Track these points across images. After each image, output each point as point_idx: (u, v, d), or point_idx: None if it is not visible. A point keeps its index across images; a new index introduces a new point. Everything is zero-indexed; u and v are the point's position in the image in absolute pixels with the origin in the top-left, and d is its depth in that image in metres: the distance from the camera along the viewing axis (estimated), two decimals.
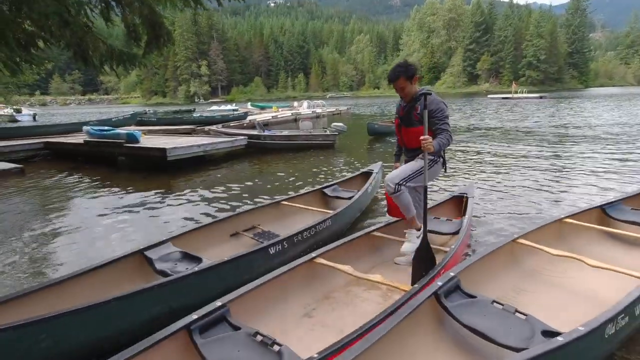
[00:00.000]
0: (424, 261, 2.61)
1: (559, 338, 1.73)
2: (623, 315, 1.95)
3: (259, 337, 1.89)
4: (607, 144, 9.37)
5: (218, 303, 2.07)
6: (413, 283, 2.48)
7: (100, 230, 4.45)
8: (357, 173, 5.30)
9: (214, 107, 30.54)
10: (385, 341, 1.82)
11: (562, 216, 3.34)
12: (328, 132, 10.30)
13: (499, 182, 6.03)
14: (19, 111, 28.48)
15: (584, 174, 6.38)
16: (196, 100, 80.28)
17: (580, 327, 1.80)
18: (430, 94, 2.66)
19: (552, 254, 2.65)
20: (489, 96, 45.21)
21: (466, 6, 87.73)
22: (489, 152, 8.92)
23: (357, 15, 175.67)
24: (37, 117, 29.30)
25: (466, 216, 3.45)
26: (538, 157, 8.03)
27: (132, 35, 4.19)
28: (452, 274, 2.33)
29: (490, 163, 7.66)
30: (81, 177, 7.60)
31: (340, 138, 11.41)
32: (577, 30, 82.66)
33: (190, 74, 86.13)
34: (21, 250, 3.89)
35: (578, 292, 2.57)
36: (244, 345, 1.86)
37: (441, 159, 2.98)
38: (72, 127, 13.18)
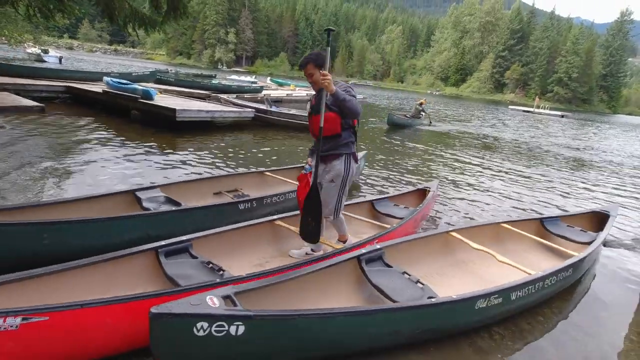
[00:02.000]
0: (312, 210, 2.75)
1: (432, 299, 2.24)
2: (497, 295, 2.44)
3: (210, 265, 2.43)
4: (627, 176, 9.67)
5: (184, 238, 2.62)
6: (301, 232, 2.83)
7: (103, 169, 5.12)
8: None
9: (234, 77, 30.93)
10: (308, 278, 2.36)
11: (501, 221, 3.81)
12: None
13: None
14: (46, 52, 29.22)
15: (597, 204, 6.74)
16: (219, 66, 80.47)
17: (454, 295, 2.31)
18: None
19: (473, 248, 3.14)
20: (510, 107, 44.73)
21: (505, 11, 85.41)
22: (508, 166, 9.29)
23: (394, 4, 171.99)
24: (62, 60, 30.05)
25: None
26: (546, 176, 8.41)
27: (154, 2, 4.66)
28: (378, 246, 2.84)
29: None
30: (96, 124, 8.21)
31: None
32: (615, 53, 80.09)
33: (217, 39, 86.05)
34: (33, 173, 4.55)
35: (481, 278, 3.07)
36: (197, 268, 2.41)
37: (351, 158, 2.87)
38: (94, 75, 13.80)
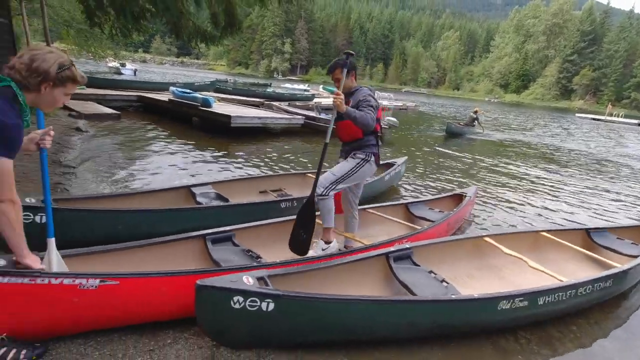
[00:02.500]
0: (305, 224, 2.78)
1: (452, 296, 2.35)
2: (522, 298, 2.47)
3: (249, 253, 2.74)
4: None
5: (228, 228, 2.95)
6: (291, 243, 2.79)
7: (165, 167, 5.81)
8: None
9: (287, 85, 32.00)
10: (337, 269, 2.58)
11: (541, 229, 3.74)
12: (381, 125, 10.80)
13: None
14: (123, 65, 32.45)
15: None
16: (275, 75, 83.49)
17: (475, 294, 2.39)
18: (369, 89, 2.89)
19: (505, 253, 3.15)
20: (577, 115, 41.52)
21: (575, 12, 79.53)
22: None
23: (452, 9, 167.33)
24: (137, 72, 33.16)
25: None
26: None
27: (214, 20, 5.21)
28: (407, 245, 2.97)
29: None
30: (161, 129, 9.10)
31: (393, 132, 11.90)
32: None
33: (273, 49, 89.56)
34: (109, 169, 5.31)
35: (511, 283, 3.06)
36: (238, 255, 2.72)
37: (372, 157, 2.97)
38: (162, 86, 15.16)
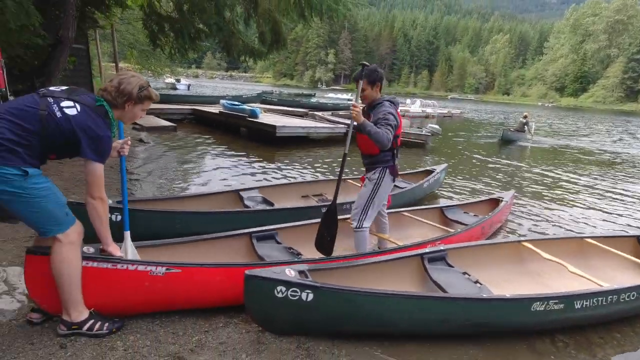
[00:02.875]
0: (329, 227, 2.91)
1: (483, 295, 2.43)
2: (557, 301, 2.48)
3: (291, 250, 2.99)
4: None
5: (272, 227, 3.22)
6: (317, 243, 2.94)
7: (215, 173, 6.37)
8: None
9: (331, 95, 32.48)
10: (372, 267, 2.74)
11: (586, 235, 3.64)
12: (422, 132, 10.80)
13: None
14: (178, 81, 34.78)
15: None
16: (319, 85, 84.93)
17: (507, 294, 2.45)
18: (393, 102, 2.91)
19: (544, 258, 3.14)
20: None
21: None
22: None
23: (501, 12, 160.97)
24: (190, 87, 35.37)
25: None
26: None
27: (261, 37, 5.63)
28: (442, 247, 3.07)
29: None
30: (212, 139, 9.77)
31: (437, 140, 11.79)
32: None
33: (317, 60, 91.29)
34: (167, 174, 5.92)
35: (549, 288, 3.04)
36: (280, 251, 2.98)
37: (387, 171, 2.99)
38: (213, 99, 16.15)
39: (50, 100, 1.84)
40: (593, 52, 75.20)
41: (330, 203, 3.05)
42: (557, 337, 2.63)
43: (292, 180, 5.86)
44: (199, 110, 12.96)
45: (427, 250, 2.99)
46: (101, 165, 1.92)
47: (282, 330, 2.31)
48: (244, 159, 7.64)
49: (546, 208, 5.81)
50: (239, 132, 10.91)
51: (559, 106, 65.70)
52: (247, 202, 3.99)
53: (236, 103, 11.92)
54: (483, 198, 4.68)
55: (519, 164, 9.45)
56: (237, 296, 2.34)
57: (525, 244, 3.36)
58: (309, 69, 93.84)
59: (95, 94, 2.03)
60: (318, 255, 3.00)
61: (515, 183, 7.42)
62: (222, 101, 12.11)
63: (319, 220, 3.46)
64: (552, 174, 8.45)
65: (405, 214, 3.88)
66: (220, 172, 6.46)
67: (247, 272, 2.23)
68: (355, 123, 2.74)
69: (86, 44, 8.41)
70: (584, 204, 6.23)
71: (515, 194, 5.49)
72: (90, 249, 2.17)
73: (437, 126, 11.08)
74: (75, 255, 1.97)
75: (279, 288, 2.19)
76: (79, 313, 2.05)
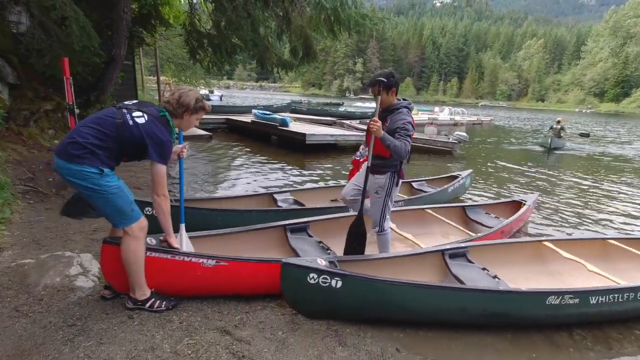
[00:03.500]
0: (357, 236, 3.06)
1: (500, 286, 2.61)
2: (572, 296, 2.63)
3: (321, 244, 3.27)
4: None
5: (303, 220, 3.52)
6: (347, 251, 3.08)
7: (250, 177, 6.84)
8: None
9: (359, 104, 32.73)
10: (396, 261, 2.98)
11: (609, 237, 3.71)
12: (449, 140, 10.87)
13: None
14: (212, 92, 36.15)
15: None
16: (347, 94, 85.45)
17: (523, 287, 2.62)
18: (409, 107, 3.00)
19: (564, 257, 3.26)
20: None
21: None
22: None
23: (535, 16, 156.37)
24: (223, 98, 36.66)
25: None
26: None
27: (293, 51, 6.03)
28: (462, 245, 3.26)
29: None
30: (245, 146, 10.28)
31: (464, 147, 11.79)
32: None
33: (345, 69, 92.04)
34: (206, 178, 6.42)
35: (567, 285, 3.15)
36: (311, 245, 3.27)
37: (396, 176, 3.09)
38: (245, 109, 16.82)
39: (124, 111, 2.23)
40: (635, 54, 71.60)
41: (357, 219, 3.09)
42: (575, 332, 2.76)
43: (322, 185, 6.18)
44: (232, 119, 13.59)
45: (448, 246, 3.19)
46: (164, 166, 2.29)
47: (314, 313, 2.58)
48: (276, 165, 8.06)
49: (573, 213, 5.80)
50: (269, 140, 11.40)
51: (598, 112, 62.87)
52: (280, 204, 4.32)
53: (267, 112, 12.44)
54: (505, 200, 4.79)
55: (549, 170, 9.33)
56: (274, 286, 2.64)
57: (547, 243, 3.48)
58: (337, 78, 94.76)
59: (158, 106, 2.42)
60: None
61: (542, 187, 7.39)
62: (254, 111, 12.68)
63: (347, 214, 3.71)
64: (583, 180, 8.32)
65: (428, 210, 4.08)
66: (253, 177, 6.91)
67: (284, 260, 2.53)
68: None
69: (132, 60, 9.15)
70: (616, 211, 6.15)
71: (539, 197, 5.53)
72: (152, 241, 2.54)
73: (464, 134, 11.10)
74: (139, 246, 2.33)
75: (311, 275, 2.48)
76: (143, 292, 2.42)
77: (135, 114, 2.24)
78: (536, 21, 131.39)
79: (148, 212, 3.13)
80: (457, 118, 23.16)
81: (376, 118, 2.82)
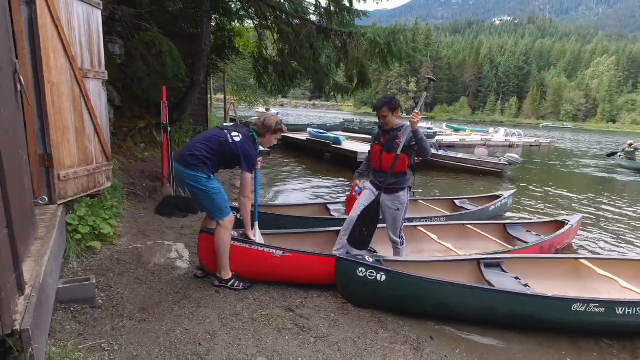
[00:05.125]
0: (369, 222, 3.38)
1: (527, 290, 2.94)
2: (597, 305, 2.88)
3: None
4: None
5: None
6: (351, 240, 3.42)
7: (306, 189, 7.63)
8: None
9: None
10: (434, 265, 3.41)
11: None
12: (500, 161, 10.86)
13: None
14: (268, 110, 38.20)
15: None
16: (399, 113, 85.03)
17: (549, 293, 2.93)
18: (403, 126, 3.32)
19: (597, 273, 3.47)
20: None
21: None
22: None
23: (606, 32, 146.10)
24: (278, 115, 38.62)
25: None
26: None
27: (349, 78, 6.69)
28: (497, 256, 3.60)
29: None
30: (300, 162, 11.09)
31: (516, 169, 11.68)
32: None
33: (398, 89, 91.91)
34: (265, 188, 7.13)
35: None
36: None
37: (408, 191, 3.45)
38: (300, 127, 17.87)
39: (226, 132, 2.96)
40: None
41: (374, 200, 3.43)
42: (603, 340, 3.00)
43: None
44: (289, 137, 14.57)
45: (484, 256, 3.55)
46: (250, 174, 2.96)
47: (361, 302, 3.08)
48: (329, 179, 8.76)
49: (624, 240, 5.75)
50: (323, 157, 12.13)
51: None
52: (332, 213, 4.90)
53: (322, 131, 13.24)
54: (549, 219, 4.95)
55: (604, 197, 9.03)
56: (328, 277, 3.18)
57: (583, 261, 3.69)
58: None
59: (248, 128, 3.13)
60: (389, 253, 3.75)
61: (591, 212, 7.27)
62: (309, 129, 13.56)
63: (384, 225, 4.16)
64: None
65: (469, 226, 4.42)
66: (309, 188, 7.66)
67: (337, 255, 3.09)
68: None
69: (206, 84, 10.39)
70: None
71: (583, 218, 5.58)
72: (234, 233, 3.22)
73: (516, 155, 11.03)
74: (228, 236, 3.01)
75: (360, 269, 3.00)
76: (227, 273, 3.08)
77: (233, 133, 2.96)
78: (608, 37, 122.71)
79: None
80: (513, 140, 22.48)
81: (418, 111, 3.17)
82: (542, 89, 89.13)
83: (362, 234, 3.43)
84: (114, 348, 2.19)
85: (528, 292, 2.97)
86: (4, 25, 1.73)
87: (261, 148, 3.17)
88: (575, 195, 9.04)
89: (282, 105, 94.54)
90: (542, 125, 69.34)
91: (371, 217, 3.43)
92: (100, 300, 2.65)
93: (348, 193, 4.27)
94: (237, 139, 2.92)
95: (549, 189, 9.74)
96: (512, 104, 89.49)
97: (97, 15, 3.37)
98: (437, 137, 19.52)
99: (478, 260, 3.51)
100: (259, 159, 3.33)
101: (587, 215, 7.08)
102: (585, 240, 5.48)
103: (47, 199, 2.74)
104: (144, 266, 3.27)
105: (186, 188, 2.94)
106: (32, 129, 2.72)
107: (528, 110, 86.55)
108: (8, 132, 1.67)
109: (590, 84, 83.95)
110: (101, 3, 3.42)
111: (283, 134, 13.79)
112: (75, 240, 3.20)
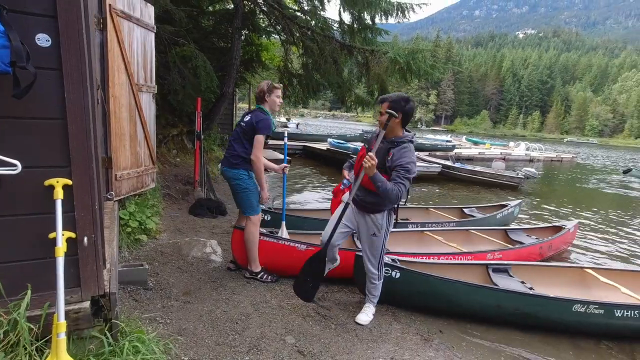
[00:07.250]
0: (313, 272, 2.98)
1: (529, 290, 3.20)
2: (597, 306, 3.11)
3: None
4: None
5: None
6: (295, 287, 3.06)
7: (325, 196, 7.73)
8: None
9: (430, 136, 32.82)
10: (445, 267, 3.68)
11: None
12: (517, 175, 10.96)
13: None
14: (289, 120, 38.98)
15: None
16: (418, 125, 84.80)
17: (550, 293, 3.18)
18: (412, 141, 2.69)
19: (600, 281, 3.69)
20: None
21: None
22: None
23: (635, 45, 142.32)
24: (299, 126, 39.30)
25: None
26: None
27: (370, 92, 7.08)
28: (505, 262, 3.86)
29: None
30: (320, 171, 11.48)
31: (534, 183, 11.74)
32: None
33: (418, 101, 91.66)
34: (288, 193, 7.40)
35: None
36: None
37: (392, 213, 2.86)
38: (321, 137, 18.34)
39: (240, 121, 3.38)
40: None
41: (322, 249, 3.01)
42: (602, 342, 3.22)
43: None
44: (309, 146, 15.03)
45: (493, 262, 3.82)
46: (262, 136, 3.22)
47: None
48: None
49: (629, 253, 5.85)
50: (343, 166, 12.50)
51: None
52: None
53: (342, 141, 13.65)
54: (547, 224, 5.25)
55: (615, 212, 9.03)
56: (348, 271, 3.50)
57: (588, 270, 3.90)
58: None
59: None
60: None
61: (598, 223, 7.34)
62: (329, 140, 14.00)
63: (401, 229, 4.49)
64: None
65: (473, 231, 4.69)
66: (327, 196, 7.94)
67: (357, 253, 3.42)
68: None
69: (233, 94, 10.96)
70: None
71: (579, 224, 5.77)
72: (263, 231, 3.61)
73: (533, 169, 11.11)
74: (256, 231, 3.39)
75: None
76: (256, 267, 3.46)
77: (245, 117, 3.36)
78: (637, 51, 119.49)
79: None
80: (534, 154, 22.29)
81: (373, 154, 2.47)
82: (566, 103, 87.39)
83: (306, 284, 2.97)
84: (167, 322, 2.59)
85: (531, 292, 3.22)
86: (96, 54, 2.18)
87: (273, 120, 3.35)
88: (584, 210, 9.07)
89: (302, 115, 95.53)
90: (566, 140, 67.92)
91: (317, 265, 2.93)
92: (150, 284, 3.06)
93: None
94: (248, 117, 3.31)
95: (562, 202, 9.79)
96: (535, 118, 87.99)
97: (151, 38, 3.87)
98: (455, 150, 19.62)
99: (487, 265, 3.77)
100: (285, 166, 3.72)
101: (596, 227, 7.17)
102: (588, 251, 5.64)
103: (114, 194, 3.20)
104: (184, 258, 3.68)
105: (229, 185, 3.35)
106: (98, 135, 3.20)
107: (551, 124, 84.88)
108: (98, 139, 2.11)
109: (618, 98, 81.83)
110: (155, 27, 3.93)
111: (304, 144, 14.44)
112: (126, 232, 3.65)
